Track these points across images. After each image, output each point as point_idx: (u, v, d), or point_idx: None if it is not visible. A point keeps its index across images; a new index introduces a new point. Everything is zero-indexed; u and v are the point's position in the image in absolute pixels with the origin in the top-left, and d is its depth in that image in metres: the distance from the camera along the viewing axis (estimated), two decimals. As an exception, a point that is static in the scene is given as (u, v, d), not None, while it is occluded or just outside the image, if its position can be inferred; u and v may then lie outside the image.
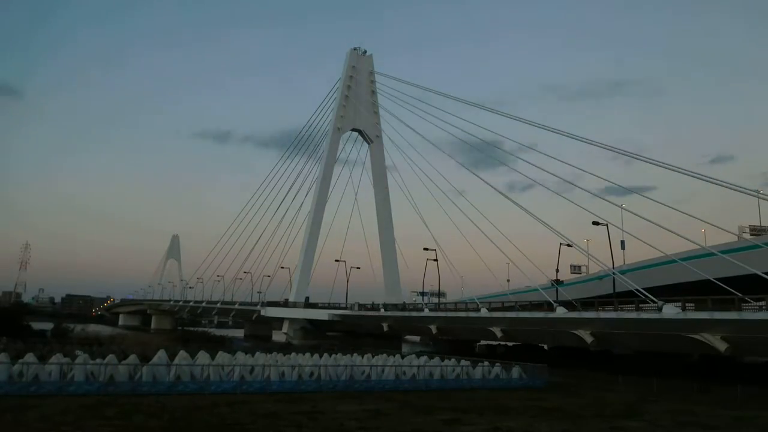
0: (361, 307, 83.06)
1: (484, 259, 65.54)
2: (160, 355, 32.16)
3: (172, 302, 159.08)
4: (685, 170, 46.82)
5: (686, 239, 44.91)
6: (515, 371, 38.91)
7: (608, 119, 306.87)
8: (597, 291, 63.67)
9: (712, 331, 38.42)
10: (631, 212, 50.88)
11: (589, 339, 46.83)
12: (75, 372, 28.15)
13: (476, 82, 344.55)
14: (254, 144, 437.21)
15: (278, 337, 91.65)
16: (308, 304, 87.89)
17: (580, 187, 53.91)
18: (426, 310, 70.95)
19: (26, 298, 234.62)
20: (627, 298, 48.18)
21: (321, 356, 40.17)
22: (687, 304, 42.22)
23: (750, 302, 37.61)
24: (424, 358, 42.34)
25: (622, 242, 58.85)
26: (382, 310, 77.28)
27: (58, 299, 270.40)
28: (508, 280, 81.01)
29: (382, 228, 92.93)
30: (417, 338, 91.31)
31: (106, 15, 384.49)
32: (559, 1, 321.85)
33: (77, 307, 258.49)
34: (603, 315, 47.04)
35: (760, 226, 55.12)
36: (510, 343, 70.86)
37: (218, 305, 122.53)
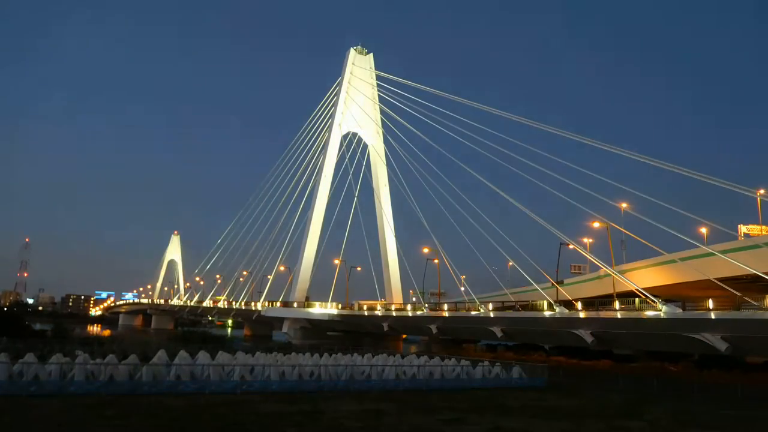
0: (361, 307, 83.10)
1: (484, 258, 65.36)
2: (160, 355, 32.11)
3: (172, 302, 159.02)
4: (685, 169, 46.80)
5: (687, 239, 44.87)
6: (515, 371, 38.88)
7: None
8: (597, 291, 63.56)
9: (712, 331, 38.39)
10: (633, 213, 50.80)
11: (589, 339, 46.78)
12: (75, 372, 28.13)
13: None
14: (255, 143, 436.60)
15: (278, 336, 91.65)
16: (308, 304, 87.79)
17: (580, 187, 53.63)
18: (425, 309, 70.88)
19: (26, 298, 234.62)
20: (627, 297, 48.12)
21: (321, 356, 40.14)
22: (687, 304, 42.21)
23: (750, 302, 37.58)
24: (424, 358, 42.32)
25: (623, 242, 58.73)
26: (380, 310, 77.24)
27: (58, 299, 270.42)
28: (509, 280, 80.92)
29: (382, 227, 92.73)
30: (418, 338, 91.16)
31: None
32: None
33: (77, 307, 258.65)
34: (603, 315, 46.99)
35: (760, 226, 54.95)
36: (510, 343, 70.79)
37: (218, 305, 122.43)
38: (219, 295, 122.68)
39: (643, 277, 55.62)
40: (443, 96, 72.07)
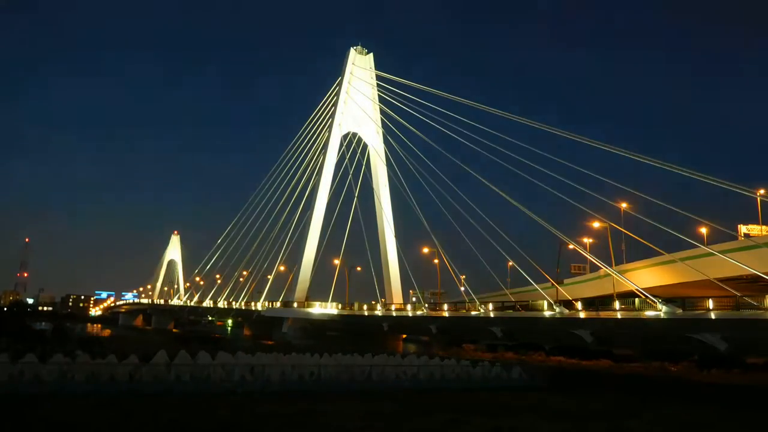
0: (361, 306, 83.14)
1: (484, 258, 65.35)
2: (160, 355, 32.11)
3: (172, 302, 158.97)
4: (685, 170, 46.78)
5: (687, 239, 44.88)
6: (515, 371, 38.86)
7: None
8: (597, 291, 63.60)
9: (712, 331, 38.41)
10: (633, 213, 50.79)
11: (589, 339, 46.81)
12: (75, 372, 28.15)
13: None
14: (256, 143, 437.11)
15: (278, 336, 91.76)
16: (308, 304, 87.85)
17: (580, 188, 53.63)
18: (425, 310, 70.92)
19: (26, 298, 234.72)
20: (627, 297, 48.15)
21: (321, 356, 40.13)
22: (687, 304, 42.21)
23: (750, 302, 37.60)
24: (424, 358, 42.31)
25: (623, 242, 58.75)
26: (380, 310, 77.29)
27: (58, 299, 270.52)
28: (509, 280, 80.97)
29: (382, 228, 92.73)
30: (418, 338, 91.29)
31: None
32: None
33: (77, 307, 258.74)
34: (603, 315, 47.02)
35: (760, 226, 54.99)
36: (510, 343, 70.81)
37: (218, 305, 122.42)
38: (219, 295, 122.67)
39: (643, 277, 55.70)
40: (443, 96, 72.06)
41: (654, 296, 43.09)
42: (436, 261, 78.05)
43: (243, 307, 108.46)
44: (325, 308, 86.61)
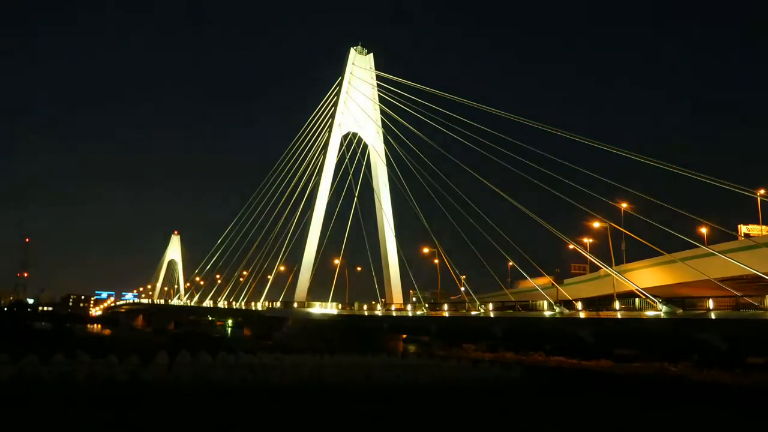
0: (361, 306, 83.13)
1: (485, 258, 65.26)
2: (161, 355, 32.16)
3: (172, 302, 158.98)
4: (685, 170, 46.72)
5: (687, 239, 44.82)
6: (515, 371, 38.94)
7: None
8: (597, 291, 63.57)
9: (712, 331, 38.40)
10: (633, 213, 50.73)
11: (589, 339, 46.74)
12: (75, 372, 28.19)
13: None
14: (256, 144, 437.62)
15: (279, 336, 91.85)
16: (308, 304, 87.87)
17: (580, 188, 53.53)
18: (425, 310, 70.89)
19: (26, 298, 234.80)
20: (627, 297, 48.13)
21: (321, 356, 40.18)
22: (687, 304, 42.20)
23: (750, 302, 37.59)
24: (424, 358, 42.38)
25: (623, 242, 58.70)
26: (380, 310, 77.30)
27: (58, 299, 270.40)
28: (509, 280, 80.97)
29: (382, 227, 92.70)
30: (418, 338, 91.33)
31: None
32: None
33: (77, 307, 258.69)
34: (603, 315, 46.96)
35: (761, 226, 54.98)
36: (510, 343, 70.85)
37: (218, 305, 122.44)
38: (219, 296, 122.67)
39: (643, 277, 55.66)
40: (444, 96, 71.98)
41: (654, 296, 43.06)
42: (436, 261, 78.09)
43: (243, 308, 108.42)
44: (325, 308, 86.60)
